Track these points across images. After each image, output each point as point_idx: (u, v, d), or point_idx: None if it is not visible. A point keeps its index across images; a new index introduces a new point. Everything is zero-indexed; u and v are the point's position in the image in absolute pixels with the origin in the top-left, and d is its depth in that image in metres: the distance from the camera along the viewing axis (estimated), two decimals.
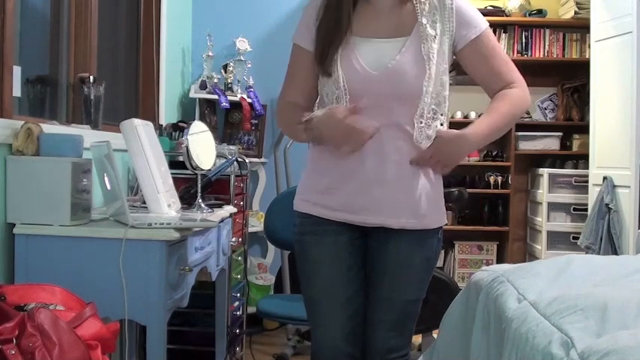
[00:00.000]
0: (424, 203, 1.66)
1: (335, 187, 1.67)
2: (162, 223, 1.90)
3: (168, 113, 3.64)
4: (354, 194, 1.65)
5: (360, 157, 1.63)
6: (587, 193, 4.39)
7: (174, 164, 2.80)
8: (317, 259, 1.73)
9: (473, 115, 4.84)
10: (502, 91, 1.69)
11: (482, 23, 1.69)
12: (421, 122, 1.63)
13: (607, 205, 4.00)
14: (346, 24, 1.63)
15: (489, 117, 1.68)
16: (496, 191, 4.83)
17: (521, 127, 4.80)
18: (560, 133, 4.84)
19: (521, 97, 1.70)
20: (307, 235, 1.74)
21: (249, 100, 3.87)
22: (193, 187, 2.43)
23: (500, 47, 1.73)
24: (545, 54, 4.81)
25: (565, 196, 4.63)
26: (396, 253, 1.69)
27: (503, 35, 4.83)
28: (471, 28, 1.66)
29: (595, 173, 4.28)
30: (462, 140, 1.65)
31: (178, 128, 3.26)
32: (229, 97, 3.80)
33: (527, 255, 4.97)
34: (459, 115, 4.76)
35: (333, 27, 1.64)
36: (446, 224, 1.75)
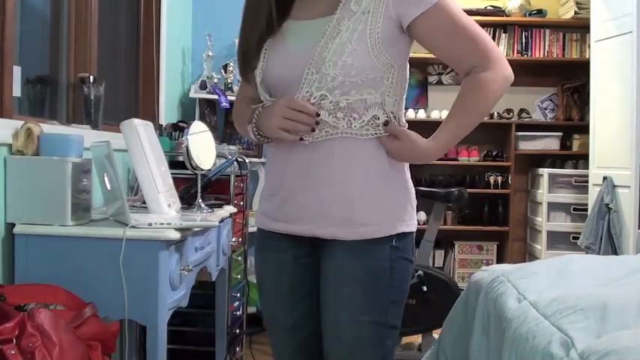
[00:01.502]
0: (363, 208, 1.40)
1: (272, 192, 1.49)
2: (163, 223, 1.90)
3: (168, 113, 3.64)
4: (284, 200, 1.46)
5: (286, 157, 1.44)
6: (587, 193, 4.39)
7: (174, 164, 2.79)
8: (260, 279, 1.56)
9: None
10: (467, 79, 1.42)
11: None
12: (298, 96, 1.40)
13: (607, 205, 4.00)
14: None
15: (450, 125, 1.42)
16: (496, 191, 4.83)
17: (521, 127, 4.81)
18: (560, 133, 4.84)
19: (490, 82, 1.39)
20: (256, 252, 1.58)
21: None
22: (193, 187, 2.43)
23: (466, 20, 1.40)
24: (545, 54, 4.81)
25: (565, 196, 4.63)
26: (334, 266, 1.44)
27: (503, 35, 4.84)
28: (412, 5, 1.37)
29: (595, 173, 4.28)
30: (415, 150, 1.43)
31: (178, 128, 3.26)
32: (229, 97, 3.80)
33: (527, 255, 4.97)
34: None
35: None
36: (411, 231, 1.46)
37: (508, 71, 1.41)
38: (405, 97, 1.48)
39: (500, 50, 1.42)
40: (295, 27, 1.45)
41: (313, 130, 1.37)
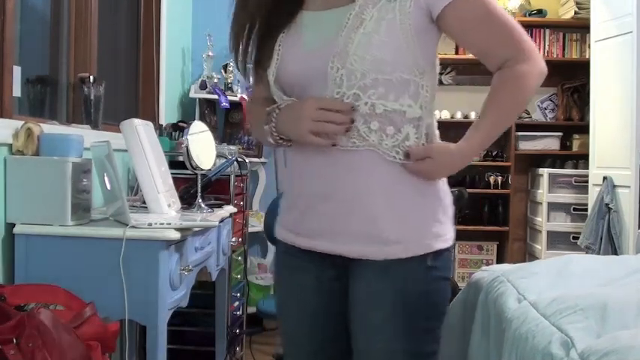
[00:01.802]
0: (390, 224, 1.25)
1: (291, 203, 1.37)
2: (163, 223, 1.90)
3: (168, 113, 3.64)
4: (304, 212, 1.32)
5: (306, 165, 1.31)
6: (587, 193, 4.39)
7: (174, 164, 2.80)
8: (280, 301, 1.44)
9: (473, 115, 4.84)
10: (500, 73, 1.29)
11: None
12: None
13: (607, 205, 4.00)
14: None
15: (484, 124, 1.30)
16: (496, 191, 4.83)
17: (521, 127, 4.80)
18: (560, 133, 4.84)
19: (526, 76, 1.27)
20: (276, 267, 1.46)
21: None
22: (193, 187, 2.43)
23: (499, 9, 1.27)
24: (545, 54, 4.81)
25: (565, 196, 4.63)
26: (362, 290, 1.29)
27: None
28: None
29: (595, 173, 4.28)
30: (450, 162, 1.30)
31: (178, 128, 3.26)
32: (229, 97, 3.80)
33: (527, 255, 4.97)
34: (459, 115, 4.76)
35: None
36: (448, 247, 1.31)
37: (542, 64, 1.29)
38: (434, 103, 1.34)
39: (533, 42, 1.30)
40: (311, 18, 1.30)
41: (348, 130, 1.23)
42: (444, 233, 1.30)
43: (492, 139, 1.33)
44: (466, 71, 4.81)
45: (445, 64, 4.76)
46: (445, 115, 4.71)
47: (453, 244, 1.33)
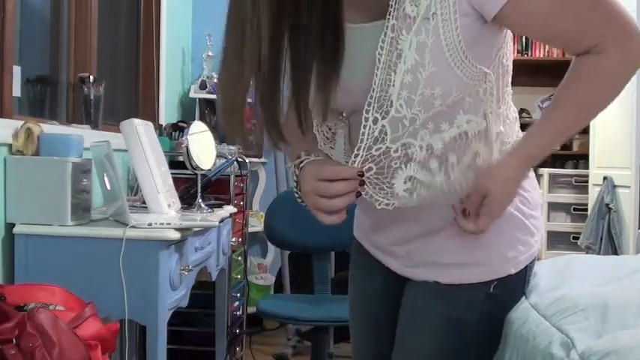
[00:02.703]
0: (455, 248, 1.11)
1: (365, 210, 1.24)
2: (163, 223, 1.90)
3: (168, 113, 3.64)
4: (375, 228, 1.22)
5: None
6: (587, 193, 4.39)
7: (174, 164, 2.79)
8: (350, 302, 1.35)
9: None
10: (585, 60, 1.07)
11: None
12: (358, 154, 1.02)
13: (607, 205, 4.00)
14: None
15: (548, 124, 1.10)
16: None
17: (521, 127, 4.80)
18: None
19: (606, 69, 1.03)
20: (351, 263, 1.35)
21: (249, 100, 3.86)
22: (193, 187, 2.43)
23: None
24: (546, 54, 4.81)
25: (565, 196, 4.63)
26: (411, 306, 1.18)
27: None
28: None
29: (595, 173, 4.28)
30: (498, 174, 1.05)
31: (178, 128, 3.26)
32: None
33: None
34: None
35: None
36: (512, 273, 1.13)
37: (630, 51, 1.02)
38: (508, 91, 1.13)
39: (634, 21, 1.01)
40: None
41: (359, 196, 1.05)
42: (521, 253, 1.13)
43: (561, 139, 1.11)
44: None
45: None
46: None
47: (532, 260, 1.16)
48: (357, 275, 1.32)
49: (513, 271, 1.13)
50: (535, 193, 1.16)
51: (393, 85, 0.98)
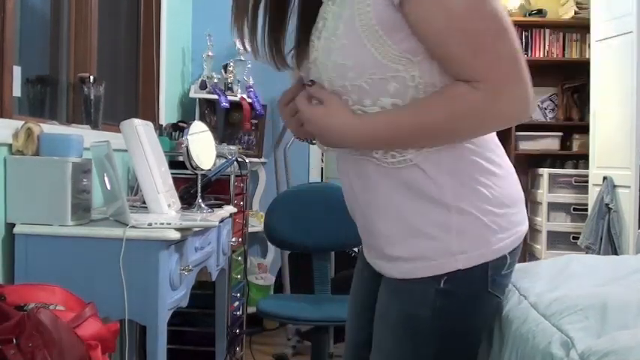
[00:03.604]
0: (398, 240, 1.12)
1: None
2: (163, 223, 1.90)
3: (168, 113, 3.64)
4: (353, 219, 1.27)
5: (339, 170, 1.23)
6: (587, 193, 4.39)
7: (174, 164, 2.80)
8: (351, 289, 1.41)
9: None
10: (450, 86, 1.04)
11: None
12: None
13: (607, 205, 4.00)
14: None
15: (391, 116, 1.06)
16: None
17: (521, 127, 4.80)
18: (560, 133, 4.84)
19: (467, 103, 1.02)
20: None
21: (249, 100, 3.87)
22: (193, 187, 2.43)
23: (474, 15, 0.99)
24: (545, 54, 4.81)
25: (565, 196, 4.63)
26: (378, 297, 1.21)
27: None
28: None
29: (595, 173, 4.28)
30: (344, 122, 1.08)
31: (178, 128, 3.26)
32: (229, 97, 3.80)
33: (528, 255, 4.97)
34: None
35: None
36: (461, 269, 1.10)
37: (511, 107, 1.04)
38: None
39: (520, 77, 1.04)
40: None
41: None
42: (474, 249, 1.10)
43: (390, 141, 1.08)
44: None
45: None
46: None
47: (497, 258, 1.12)
48: (358, 263, 1.36)
49: (462, 266, 1.09)
50: (504, 190, 1.14)
51: (316, 50, 1.08)
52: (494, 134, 1.17)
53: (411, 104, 1.05)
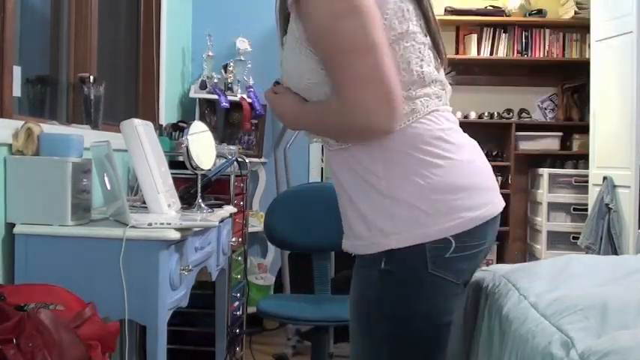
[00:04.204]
0: (357, 219, 1.25)
1: None
2: (163, 223, 1.90)
3: (168, 113, 3.64)
4: None
5: None
6: (587, 193, 4.39)
7: (174, 164, 2.79)
8: None
9: (473, 115, 4.84)
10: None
11: None
12: None
13: (607, 205, 4.00)
14: None
15: (308, 107, 1.28)
16: None
17: (521, 127, 4.81)
18: (560, 133, 4.84)
19: (330, 115, 1.22)
20: None
21: (249, 100, 3.87)
22: (193, 187, 2.43)
23: (343, 40, 1.14)
24: (545, 54, 4.81)
25: (565, 196, 4.63)
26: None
27: (503, 35, 4.84)
28: None
29: (595, 173, 4.28)
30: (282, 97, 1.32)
31: (178, 128, 3.26)
32: (229, 97, 3.80)
33: (527, 255, 4.97)
34: (458, 115, 4.77)
35: None
36: (397, 248, 1.19)
37: (364, 121, 1.15)
38: None
39: (377, 93, 1.14)
40: None
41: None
42: (405, 230, 1.19)
43: (305, 127, 1.33)
44: (466, 71, 4.81)
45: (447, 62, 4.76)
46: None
47: (437, 242, 1.20)
48: None
49: (394, 246, 1.19)
50: (445, 178, 1.22)
51: (281, 58, 1.29)
52: (437, 129, 1.25)
53: (315, 103, 1.25)
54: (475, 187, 1.26)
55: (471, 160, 1.28)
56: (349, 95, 1.14)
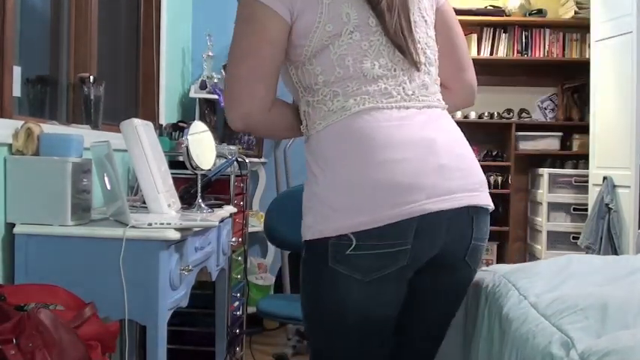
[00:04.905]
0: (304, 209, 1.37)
1: None
2: (163, 223, 1.90)
3: (168, 113, 3.64)
4: None
5: None
6: (587, 193, 4.39)
7: (174, 164, 2.79)
8: None
9: (473, 115, 4.84)
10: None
11: None
12: None
13: (607, 205, 4.00)
14: None
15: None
16: (496, 191, 4.83)
17: (521, 127, 4.81)
18: (560, 133, 4.84)
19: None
20: None
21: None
22: (193, 187, 2.43)
23: (232, 42, 1.46)
24: (545, 54, 4.81)
25: (565, 196, 4.63)
26: None
27: (503, 35, 4.83)
28: None
29: (595, 173, 4.28)
30: None
31: (178, 128, 3.26)
32: None
33: (527, 255, 4.97)
34: (458, 115, 4.76)
35: None
36: (309, 239, 1.32)
37: (232, 124, 1.35)
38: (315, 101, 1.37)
39: (228, 100, 1.35)
40: None
41: None
42: (314, 223, 1.29)
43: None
44: None
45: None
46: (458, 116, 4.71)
47: (342, 237, 1.26)
48: None
49: (309, 237, 1.30)
50: (359, 175, 1.26)
51: None
52: (367, 127, 1.29)
53: None
54: (393, 186, 1.26)
55: (402, 159, 1.27)
56: (225, 97, 1.37)
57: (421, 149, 1.29)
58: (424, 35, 1.39)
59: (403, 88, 1.32)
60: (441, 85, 1.47)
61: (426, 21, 1.41)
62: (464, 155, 1.37)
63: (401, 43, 1.32)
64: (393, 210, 1.24)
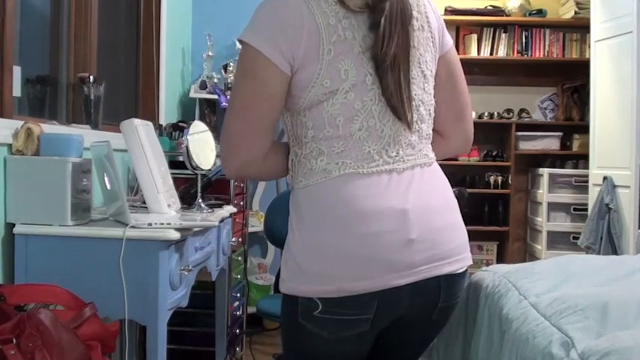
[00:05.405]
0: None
1: None
2: (163, 223, 1.90)
3: (168, 113, 3.64)
4: None
5: None
6: (587, 193, 4.39)
7: (174, 164, 2.80)
8: None
9: (473, 115, 4.84)
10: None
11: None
12: None
13: (607, 205, 4.00)
14: None
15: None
16: (496, 191, 4.83)
17: (521, 127, 4.80)
18: (560, 133, 4.84)
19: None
20: None
21: None
22: (193, 187, 2.43)
23: (231, 96, 1.40)
24: (545, 54, 4.81)
25: (565, 196, 4.63)
26: None
27: (503, 35, 4.83)
28: None
29: (595, 173, 4.28)
30: None
31: (178, 128, 3.26)
32: (229, 97, 3.79)
33: (527, 255, 4.97)
34: None
35: None
36: (282, 292, 1.36)
37: (228, 173, 1.38)
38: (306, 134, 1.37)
39: (224, 153, 1.36)
40: None
41: None
42: (288, 280, 1.33)
43: None
44: (466, 71, 4.78)
45: None
46: None
47: (302, 298, 1.30)
48: None
49: (284, 291, 1.34)
50: (331, 241, 1.28)
51: None
52: (347, 194, 1.30)
53: None
54: (358, 259, 1.27)
55: (373, 233, 1.27)
56: (220, 149, 1.37)
57: (393, 223, 1.28)
58: (420, 91, 1.37)
59: (386, 151, 1.31)
60: (437, 132, 1.46)
61: (425, 75, 1.38)
62: (439, 223, 1.36)
63: (395, 104, 1.30)
64: (355, 282, 1.26)
